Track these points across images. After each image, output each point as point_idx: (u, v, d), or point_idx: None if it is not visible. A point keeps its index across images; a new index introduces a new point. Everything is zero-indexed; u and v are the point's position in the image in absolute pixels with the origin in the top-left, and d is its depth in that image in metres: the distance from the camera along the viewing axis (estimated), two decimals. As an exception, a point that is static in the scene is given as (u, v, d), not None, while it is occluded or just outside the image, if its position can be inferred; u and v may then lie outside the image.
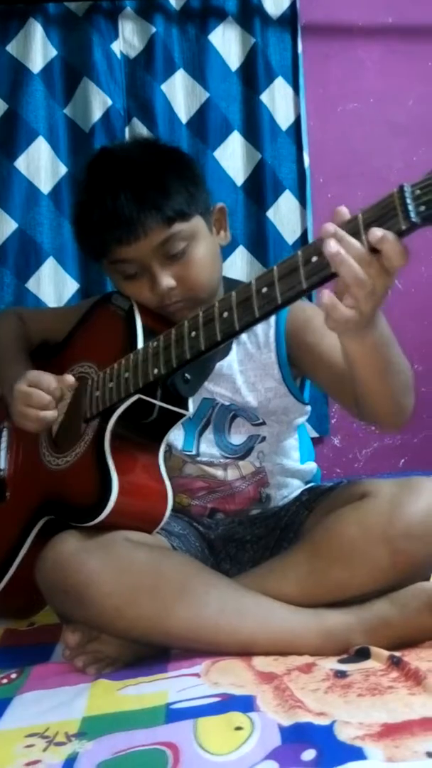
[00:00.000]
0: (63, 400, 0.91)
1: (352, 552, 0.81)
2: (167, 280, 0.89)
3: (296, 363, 0.98)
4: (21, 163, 1.67)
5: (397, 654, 0.76)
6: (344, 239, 0.66)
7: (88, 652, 0.84)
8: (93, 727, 0.69)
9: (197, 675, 0.78)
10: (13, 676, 0.85)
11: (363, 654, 0.78)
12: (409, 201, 0.62)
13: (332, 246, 0.65)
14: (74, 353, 1.01)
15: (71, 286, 1.72)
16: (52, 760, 0.63)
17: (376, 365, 0.78)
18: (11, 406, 0.91)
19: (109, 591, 0.80)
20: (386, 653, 0.76)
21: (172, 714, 0.69)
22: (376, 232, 0.63)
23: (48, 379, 0.89)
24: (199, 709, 0.69)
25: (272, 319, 0.98)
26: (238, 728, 0.64)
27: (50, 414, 0.89)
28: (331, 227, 0.66)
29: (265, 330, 0.99)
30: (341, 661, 0.78)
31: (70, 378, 0.90)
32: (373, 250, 0.65)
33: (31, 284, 1.68)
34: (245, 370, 0.99)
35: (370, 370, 0.78)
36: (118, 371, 0.87)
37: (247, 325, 0.76)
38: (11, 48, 1.68)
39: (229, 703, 0.70)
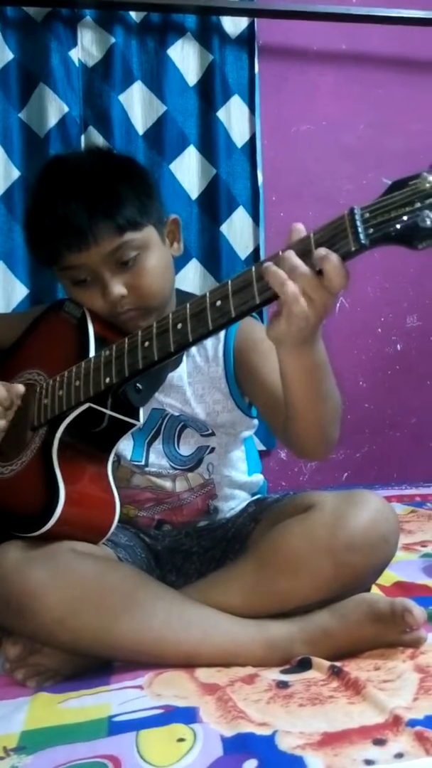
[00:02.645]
0: (11, 408, 0.90)
1: (297, 564, 0.83)
2: (118, 288, 0.89)
3: (239, 380, 1.00)
4: (-27, 165, 1.65)
5: (337, 664, 0.77)
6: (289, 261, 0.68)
7: (29, 664, 0.83)
8: (32, 741, 0.67)
9: (140, 687, 0.77)
10: None
11: (305, 664, 0.79)
12: (359, 223, 0.64)
13: (270, 267, 0.69)
14: (23, 360, 0.99)
15: (20, 291, 1.69)
16: (-11, 776, 0.62)
17: (310, 388, 0.80)
18: None
19: (52, 603, 0.79)
20: (327, 663, 0.77)
21: (114, 726, 0.68)
22: (321, 252, 0.66)
23: None
24: (142, 722, 0.69)
25: (222, 334, 0.99)
26: (181, 740, 0.64)
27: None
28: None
29: (215, 345, 1.00)
30: (283, 672, 0.79)
31: (19, 387, 0.89)
32: (319, 271, 0.67)
33: (-21, 288, 1.65)
34: (194, 382, 1.00)
35: (304, 391, 0.80)
36: (68, 379, 0.87)
37: (201, 337, 0.76)
38: (-34, 49, 1.66)
39: (171, 715, 0.70)
